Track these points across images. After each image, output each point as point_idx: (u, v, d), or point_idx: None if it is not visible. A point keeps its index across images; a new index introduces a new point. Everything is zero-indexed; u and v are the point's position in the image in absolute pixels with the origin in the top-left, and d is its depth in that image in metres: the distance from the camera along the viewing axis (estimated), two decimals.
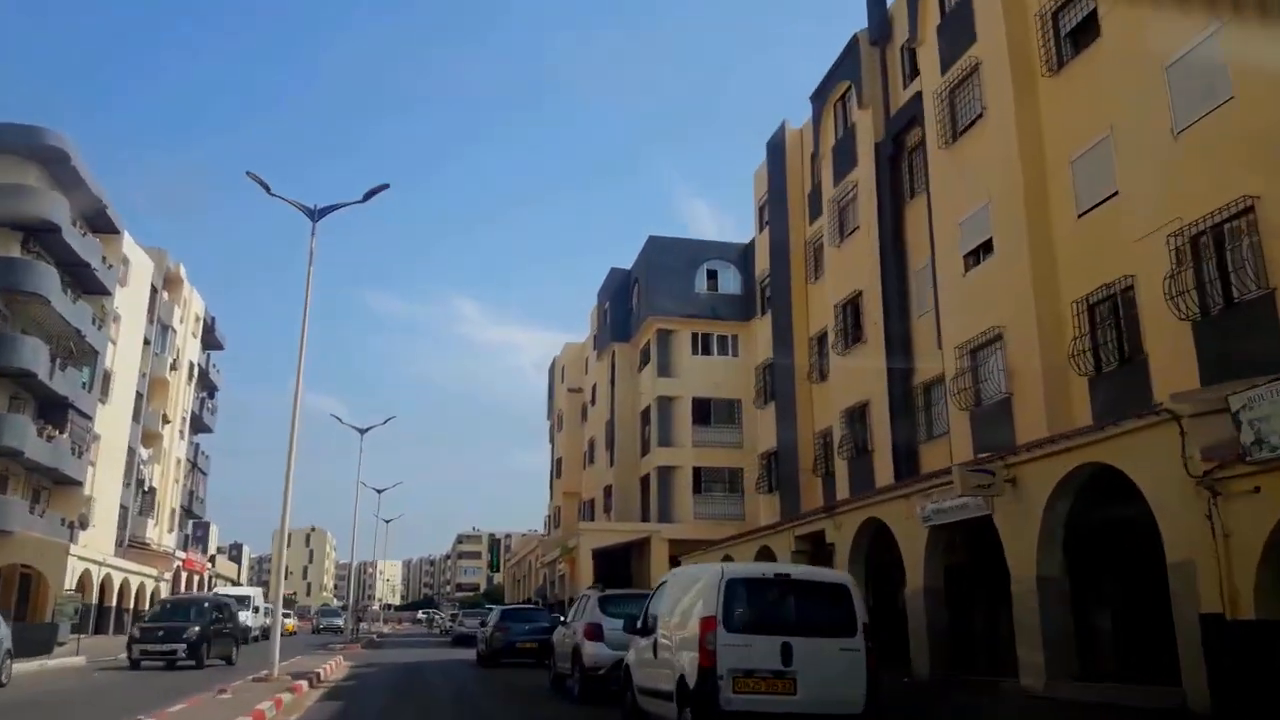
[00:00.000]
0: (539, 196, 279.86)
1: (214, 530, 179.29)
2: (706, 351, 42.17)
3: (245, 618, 40.83)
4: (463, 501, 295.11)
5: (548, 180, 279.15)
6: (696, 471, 40.64)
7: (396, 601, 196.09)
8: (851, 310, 23.78)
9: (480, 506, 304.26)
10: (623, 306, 46.05)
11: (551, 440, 66.21)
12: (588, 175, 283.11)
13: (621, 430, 44.41)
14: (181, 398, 58.08)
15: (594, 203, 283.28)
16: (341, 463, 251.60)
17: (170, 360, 55.08)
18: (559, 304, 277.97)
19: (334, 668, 21.63)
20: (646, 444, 43.20)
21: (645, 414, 43.37)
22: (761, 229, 30.72)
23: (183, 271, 56.26)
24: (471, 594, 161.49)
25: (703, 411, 41.40)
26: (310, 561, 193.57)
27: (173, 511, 58.13)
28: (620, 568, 41.59)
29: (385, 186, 19.89)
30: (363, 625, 70.29)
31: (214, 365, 67.41)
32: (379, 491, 59.75)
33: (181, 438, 59.18)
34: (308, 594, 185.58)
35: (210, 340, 65.51)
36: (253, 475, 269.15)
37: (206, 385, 65.61)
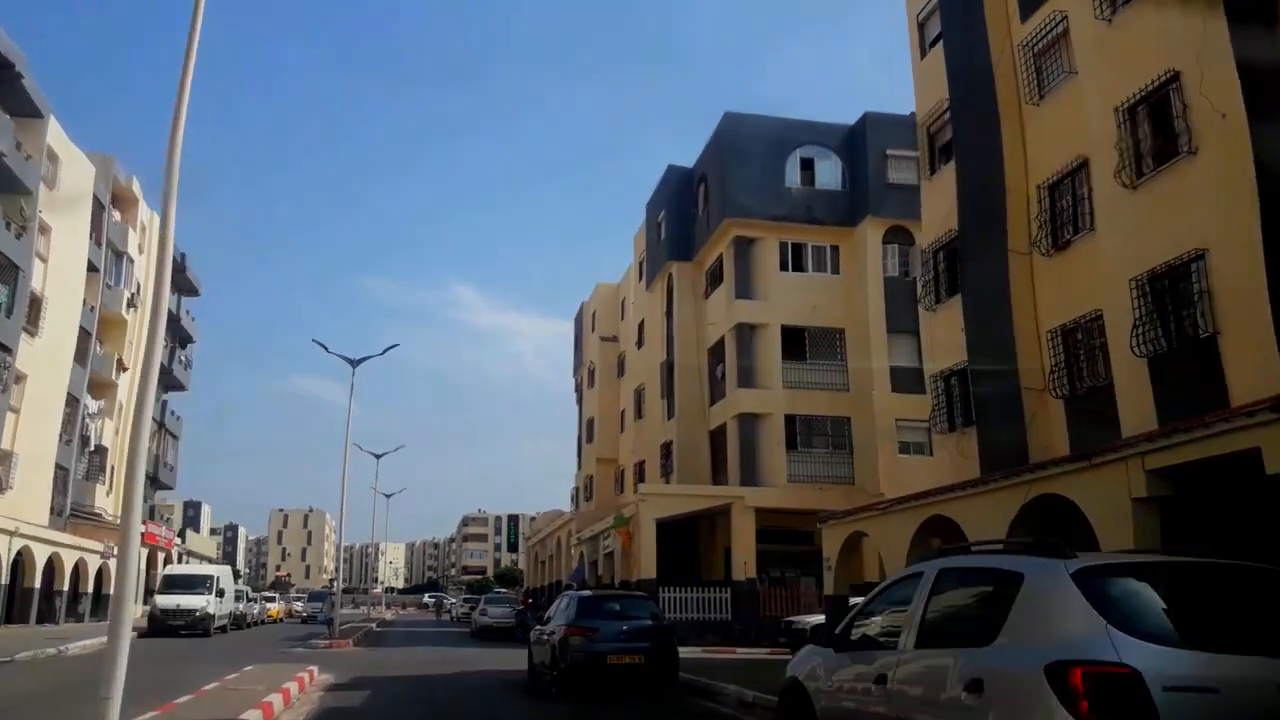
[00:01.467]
0: (543, 179, 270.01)
1: (207, 510, 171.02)
2: (799, 266, 32.80)
3: (204, 603, 31.68)
4: (465, 486, 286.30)
5: (551, 163, 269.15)
6: (790, 421, 31.35)
7: (400, 585, 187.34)
8: (1154, 109, 14.28)
9: (483, 491, 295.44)
10: (683, 216, 36.59)
11: (579, 401, 56.91)
12: (597, 148, 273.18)
13: (683, 374, 35.09)
14: (146, 342, 48.74)
15: (601, 182, 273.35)
16: (341, 446, 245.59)
17: (127, 296, 45.75)
18: (560, 290, 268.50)
19: (288, 700, 12.34)
20: (718, 388, 33.89)
21: (717, 350, 34.02)
22: (925, 51, 21.21)
23: (138, 188, 46.80)
24: (478, 577, 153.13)
25: (795, 344, 32.06)
26: (309, 544, 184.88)
27: None
28: (686, 544, 32.35)
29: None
30: (359, 610, 61.17)
31: (187, 312, 58.11)
32: (377, 456, 50.65)
33: None
34: (306, 576, 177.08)
35: (182, 282, 56.10)
36: (252, 460, 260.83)
37: (178, 334, 56.28)
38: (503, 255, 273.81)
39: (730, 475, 31.53)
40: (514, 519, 64.57)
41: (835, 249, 32.92)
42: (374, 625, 41.14)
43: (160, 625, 30.89)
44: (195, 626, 31.13)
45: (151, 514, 53.34)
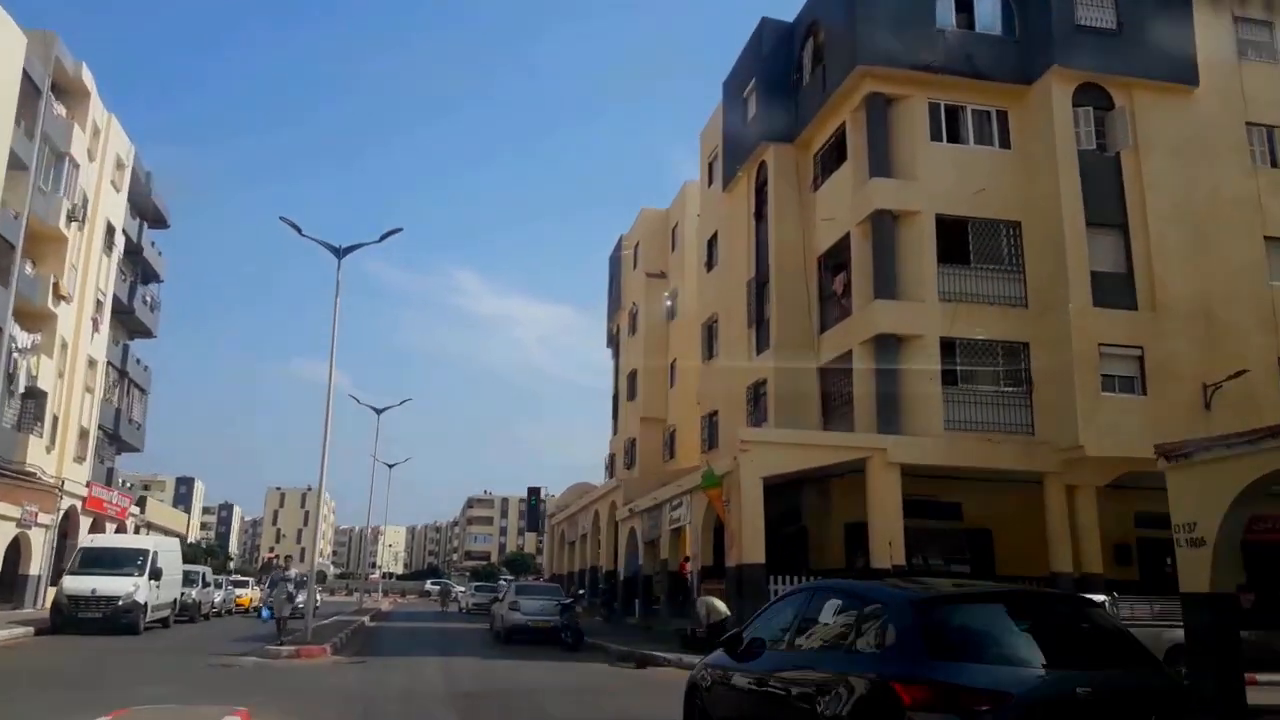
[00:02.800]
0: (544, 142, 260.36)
1: (200, 487, 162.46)
2: (955, 136, 23.90)
3: (131, 588, 23.05)
4: (466, 473, 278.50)
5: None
6: (947, 347, 22.47)
7: (399, 570, 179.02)
8: None
9: (485, 479, 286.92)
10: (780, 85, 27.56)
11: (616, 353, 48.12)
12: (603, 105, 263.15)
13: (781, 293, 26.21)
14: (95, 270, 39.91)
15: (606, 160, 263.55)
16: (347, 429, 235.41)
17: (68, 207, 36.86)
18: (563, 279, 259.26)
19: None
20: (834, 309, 25.07)
21: (835, 256, 25.16)
22: None
23: (89, 79, 37.88)
24: (483, 563, 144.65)
25: (953, 241, 23.19)
26: (306, 524, 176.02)
27: (84, 433, 40.15)
28: (786, 518, 23.62)
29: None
30: (352, 599, 52.45)
31: (152, 243, 49.25)
32: (378, 411, 41.89)
33: (96, 329, 41.07)
34: (303, 559, 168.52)
35: (146, 206, 47.29)
36: (252, 442, 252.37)
37: (140, 267, 47.42)
38: (502, 239, 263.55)
39: (859, 422, 22.70)
40: (535, 492, 54.81)
41: (1003, 114, 23.97)
42: (366, 619, 32.48)
43: (68, 617, 22.26)
44: (116, 620, 22.46)
45: (109, 477, 44.68)
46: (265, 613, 19.23)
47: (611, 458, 46.75)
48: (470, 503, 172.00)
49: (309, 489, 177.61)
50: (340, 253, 21.53)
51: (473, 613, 46.25)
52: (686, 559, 25.69)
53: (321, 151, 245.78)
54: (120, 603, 22.61)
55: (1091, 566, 21.90)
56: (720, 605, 19.40)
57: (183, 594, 28.54)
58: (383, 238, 22.06)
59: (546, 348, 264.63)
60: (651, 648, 19.93)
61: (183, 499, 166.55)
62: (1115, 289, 22.33)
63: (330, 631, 23.22)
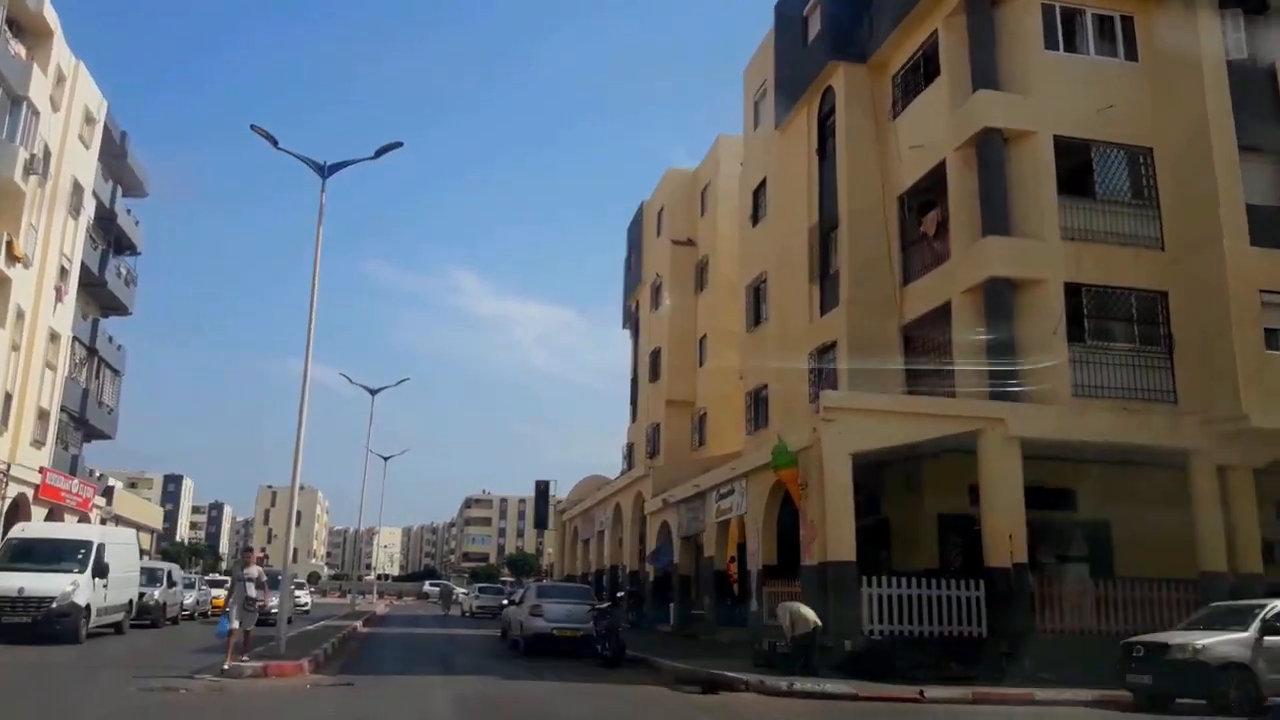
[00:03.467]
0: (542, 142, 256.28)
1: (189, 485, 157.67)
2: (1073, 45, 19.77)
3: (68, 587, 18.90)
4: (463, 474, 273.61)
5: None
6: (1072, 295, 18.33)
7: (395, 572, 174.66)
8: None
9: (481, 481, 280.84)
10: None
11: (635, 332, 43.97)
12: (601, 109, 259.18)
13: (855, 238, 22.04)
14: (59, 233, 35.62)
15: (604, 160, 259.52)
16: (340, 423, 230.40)
17: (24, 158, 32.60)
18: (562, 281, 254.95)
19: None
20: (920, 255, 20.93)
21: (922, 191, 21.00)
22: None
23: (52, 18, 33.63)
24: (481, 564, 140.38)
25: (1076, 169, 19.07)
26: (298, 524, 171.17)
27: (43, 414, 35.88)
28: (868, 500, 19.43)
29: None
30: (345, 600, 48.30)
31: (128, 211, 45.05)
32: (372, 393, 37.62)
33: (60, 299, 36.80)
34: (294, 560, 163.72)
35: (120, 170, 43.07)
36: (245, 441, 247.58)
37: (113, 235, 43.17)
38: (502, 238, 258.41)
39: (961, 390, 18.54)
40: (543, 487, 50.17)
41: (1128, 20, 19.87)
42: (358, 624, 28.30)
43: None
44: (49, 625, 18.26)
45: (74, 466, 40.44)
46: (222, 625, 14.98)
47: (630, 447, 42.58)
48: (468, 503, 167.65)
49: (302, 487, 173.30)
50: (325, 171, 18.39)
51: (477, 616, 42.14)
52: (733, 558, 21.55)
53: (322, 154, 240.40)
54: (55, 605, 18.38)
55: (1249, 565, 17.78)
56: (808, 613, 15.27)
57: (142, 595, 24.31)
58: (378, 153, 18.64)
59: (545, 348, 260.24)
60: (714, 664, 15.79)
61: (170, 497, 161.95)
62: (1276, 225, 18.24)
63: (312, 641, 19.07)
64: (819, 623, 15.16)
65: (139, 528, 45.03)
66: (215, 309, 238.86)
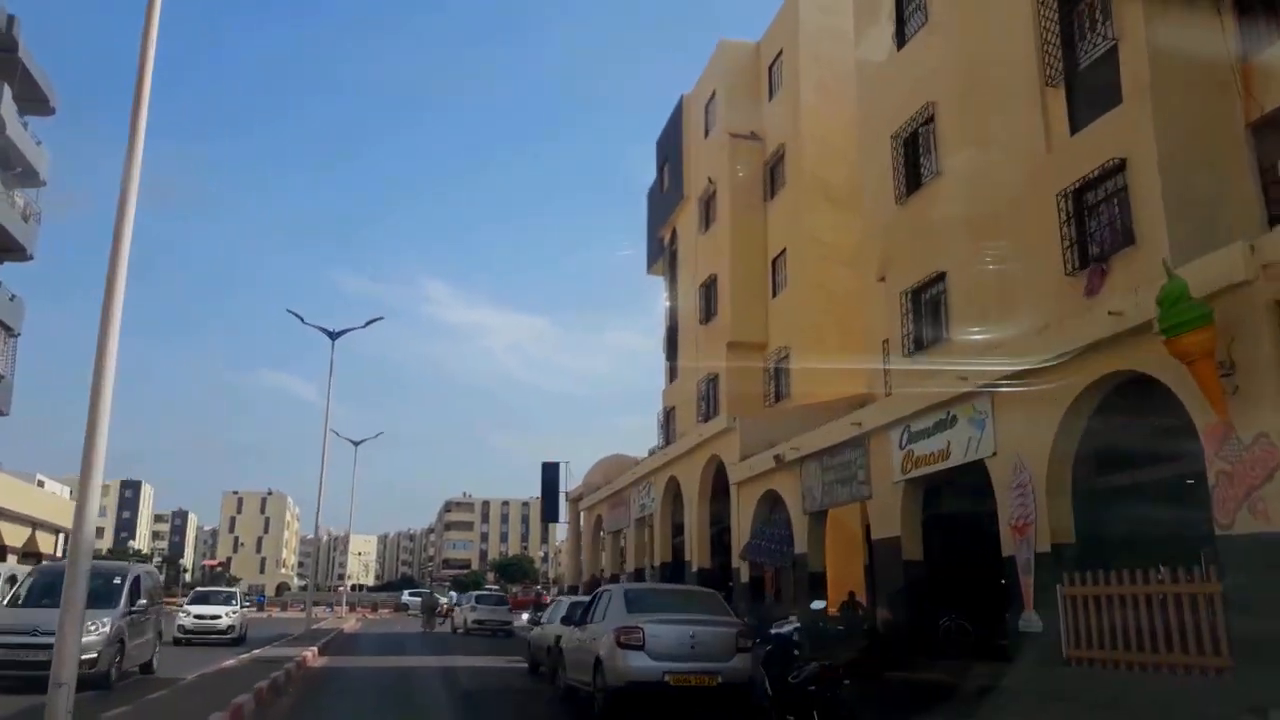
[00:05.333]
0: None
1: (148, 491, 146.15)
2: None
3: None
4: (439, 483, 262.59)
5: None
6: None
7: (371, 581, 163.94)
8: None
9: (458, 486, 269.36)
10: None
11: (670, 271, 34.69)
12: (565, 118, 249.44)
13: None
14: None
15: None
16: (312, 429, 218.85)
17: None
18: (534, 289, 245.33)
19: None
20: None
21: None
22: None
23: None
24: (463, 571, 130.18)
25: None
26: (266, 532, 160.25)
27: None
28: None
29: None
30: (314, 611, 38.55)
31: (24, 124, 35.31)
32: (333, 336, 28.03)
33: None
34: (261, 571, 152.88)
35: (11, 70, 33.35)
36: (215, 449, 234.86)
37: (5, 155, 33.44)
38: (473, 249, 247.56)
39: None
40: (552, 470, 40.21)
41: None
42: (311, 652, 18.79)
43: None
44: None
45: None
46: None
47: (668, 414, 33.26)
48: (448, 506, 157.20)
49: (270, 492, 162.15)
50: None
51: (472, 634, 32.73)
52: None
53: (290, 162, 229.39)
54: None
55: None
56: None
57: None
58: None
59: (516, 356, 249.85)
60: None
61: (128, 504, 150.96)
62: None
63: (214, 694, 9.59)
64: None
65: (35, 525, 35.15)
66: (196, 312, 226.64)
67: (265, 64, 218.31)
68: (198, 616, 23.71)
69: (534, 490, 45.48)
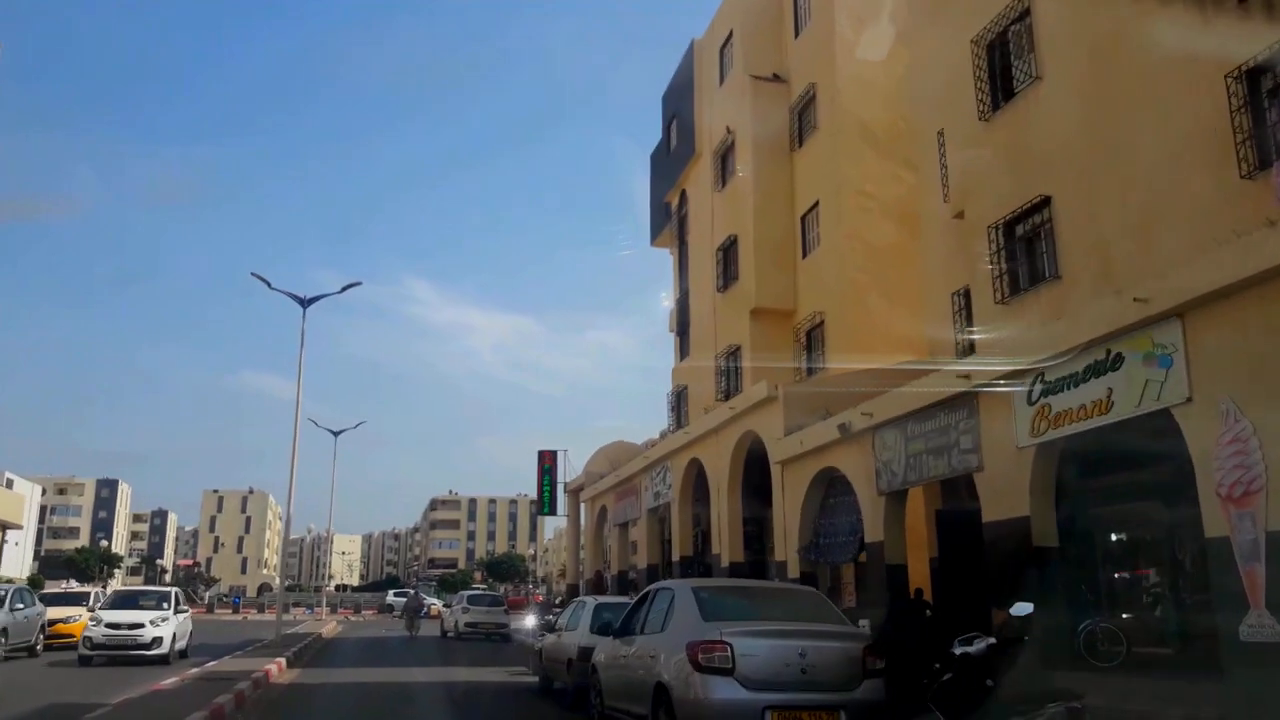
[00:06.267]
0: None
1: (125, 490, 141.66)
2: None
3: None
4: (422, 484, 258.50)
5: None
6: None
7: (355, 582, 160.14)
8: None
9: (443, 487, 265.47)
10: None
11: (679, 237, 31.57)
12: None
13: None
14: None
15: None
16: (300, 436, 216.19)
17: None
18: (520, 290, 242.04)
19: None
20: None
21: None
22: None
23: None
24: (450, 570, 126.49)
25: None
26: (247, 531, 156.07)
27: None
28: None
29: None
30: (293, 613, 35.25)
31: None
32: (304, 303, 24.86)
33: None
34: (243, 571, 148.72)
35: None
36: (195, 450, 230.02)
37: None
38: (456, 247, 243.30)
39: None
40: (549, 458, 36.83)
41: None
42: (276, 665, 15.60)
43: None
44: None
45: None
46: None
47: (679, 394, 30.17)
48: (434, 504, 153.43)
49: (251, 491, 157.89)
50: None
51: (464, 638, 29.58)
52: None
53: (270, 164, 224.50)
54: None
55: None
56: None
57: None
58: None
59: (500, 356, 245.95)
60: None
61: (105, 504, 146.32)
62: None
63: None
64: None
65: None
66: (180, 315, 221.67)
67: (250, 69, 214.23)
68: (111, 626, 17.47)
69: (519, 488, 42.24)
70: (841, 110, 22.73)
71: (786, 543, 16.43)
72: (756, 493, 19.92)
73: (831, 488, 15.76)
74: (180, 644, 18.67)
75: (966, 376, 11.30)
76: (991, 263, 14.34)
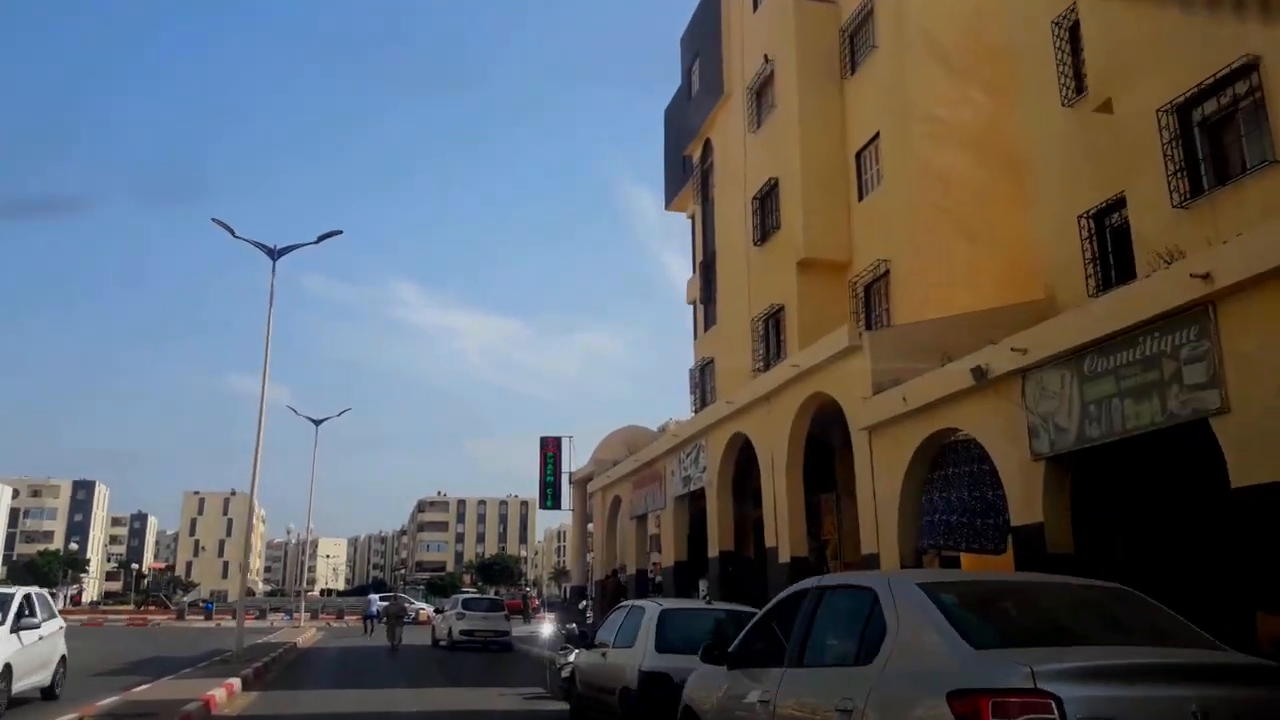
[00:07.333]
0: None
1: (103, 491, 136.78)
2: None
3: None
4: (408, 487, 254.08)
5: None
6: None
7: (341, 586, 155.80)
8: None
9: (429, 490, 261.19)
10: None
11: (702, 191, 28.03)
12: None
13: None
14: None
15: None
16: (284, 439, 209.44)
17: None
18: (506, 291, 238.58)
19: None
20: None
21: None
22: None
23: None
24: (438, 573, 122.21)
25: None
26: (229, 535, 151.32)
27: None
28: None
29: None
30: (271, 619, 31.40)
31: None
32: (274, 255, 21.39)
33: None
34: (224, 575, 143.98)
35: None
36: (180, 453, 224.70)
37: None
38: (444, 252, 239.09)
39: None
40: (553, 445, 33.11)
41: None
42: (231, 685, 11.95)
43: None
44: None
45: None
46: None
47: (704, 368, 26.64)
48: (421, 506, 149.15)
49: (233, 493, 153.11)
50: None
51: (460, 647, 26.04)
52: None
53: (248, 165, 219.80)
54: None
55: None
56: None
57: None
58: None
59: (487, 359, 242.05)
60: None
61: (80, 506, 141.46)
62: None
63: None
64: None
65: None
66: (166, 318, 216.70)
67: (224, 70, 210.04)
68: None
69: (508, 490, 38.56)
70: (908, 23, 19.27)
71: (879, 532, 12.86)
72: (824, 469, 16.40)
73: (941, 457, 12.26)
74: (35, 679, 12.10)
75: (1205, 276, 7.79)
76: (1168, 154, 10.84)
